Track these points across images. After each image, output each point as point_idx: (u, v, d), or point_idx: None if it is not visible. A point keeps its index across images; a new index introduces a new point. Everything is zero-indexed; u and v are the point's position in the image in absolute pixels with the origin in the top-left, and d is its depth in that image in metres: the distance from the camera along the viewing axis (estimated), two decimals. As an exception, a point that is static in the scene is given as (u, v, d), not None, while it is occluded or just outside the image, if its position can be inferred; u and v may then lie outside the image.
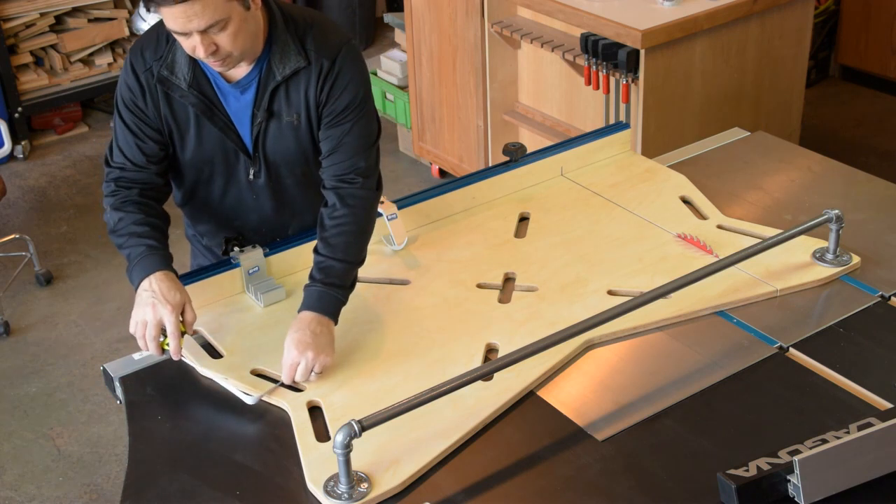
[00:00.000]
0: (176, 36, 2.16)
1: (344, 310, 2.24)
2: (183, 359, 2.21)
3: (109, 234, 2.30)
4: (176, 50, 2.27)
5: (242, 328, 2.32)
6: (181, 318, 2.17)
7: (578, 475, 1.93)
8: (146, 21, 5.65)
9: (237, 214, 2.48)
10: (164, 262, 2.22)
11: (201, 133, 2.34)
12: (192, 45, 2.14)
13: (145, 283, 2.18)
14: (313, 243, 2.46)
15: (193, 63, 2.27)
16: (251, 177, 2.40)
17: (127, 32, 5.63)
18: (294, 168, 2.41)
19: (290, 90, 2.30)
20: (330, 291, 2.20)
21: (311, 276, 2.23)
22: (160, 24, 2.32)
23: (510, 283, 2.46)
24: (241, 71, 2.29)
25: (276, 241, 2.49)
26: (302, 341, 2.13)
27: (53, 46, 5.49)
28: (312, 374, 2.14)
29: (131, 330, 2.17)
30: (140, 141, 2.32)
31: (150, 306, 2.14)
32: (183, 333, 2.17)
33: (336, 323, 2.21)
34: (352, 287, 2.27)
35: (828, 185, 2.85)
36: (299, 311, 2.20)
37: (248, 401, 2.13)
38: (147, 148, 2.32)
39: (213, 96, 2.31)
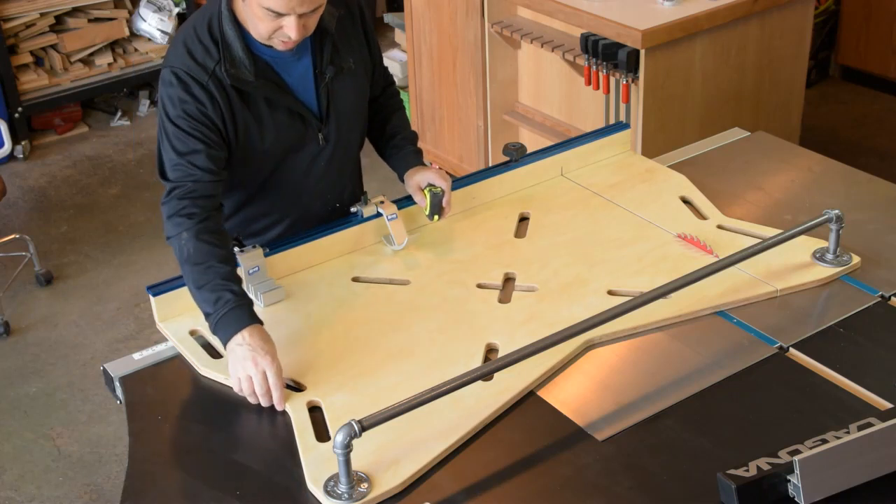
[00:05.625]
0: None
1: (344, 309, 2.26)
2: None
3: (182, 263, 2.21)
4: (230, 46, 2.29)
5: (242, 328, 2.32)
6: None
7: (578, 475, 1.93)
8: (146, 21, 5.65)
9: (305, 187, 2.51)
10: (254, 314, 2.17)
11: (275, 116, 2.37)
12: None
13: (238, 338, 2.13)
14: (314, 243, 2.49)
15: (250, 53, 2.31)
16: (321, 142, 2.45)
17: (127, 32, 5.63)
18: (356, 121, 2.53)
19: (337, 39, 2.41)
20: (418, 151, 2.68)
21: (402, 140, 2.65)
22: (187, 31, 2.32)
23: (510, 283, 2.46)
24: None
25: (276, 242, 2.49)
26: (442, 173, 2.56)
27: (53, 46, 5.49)
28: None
29: (235, 387, 2.12)
30: (211, 150, 2.28)
31: (251, 361, 2.10)
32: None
33: None
34: None
35: (828, 185, 2.85)
36: (407, 170, 2.62)
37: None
38: (217, 156, 2.30)
39: (276, 76, 2.36)
